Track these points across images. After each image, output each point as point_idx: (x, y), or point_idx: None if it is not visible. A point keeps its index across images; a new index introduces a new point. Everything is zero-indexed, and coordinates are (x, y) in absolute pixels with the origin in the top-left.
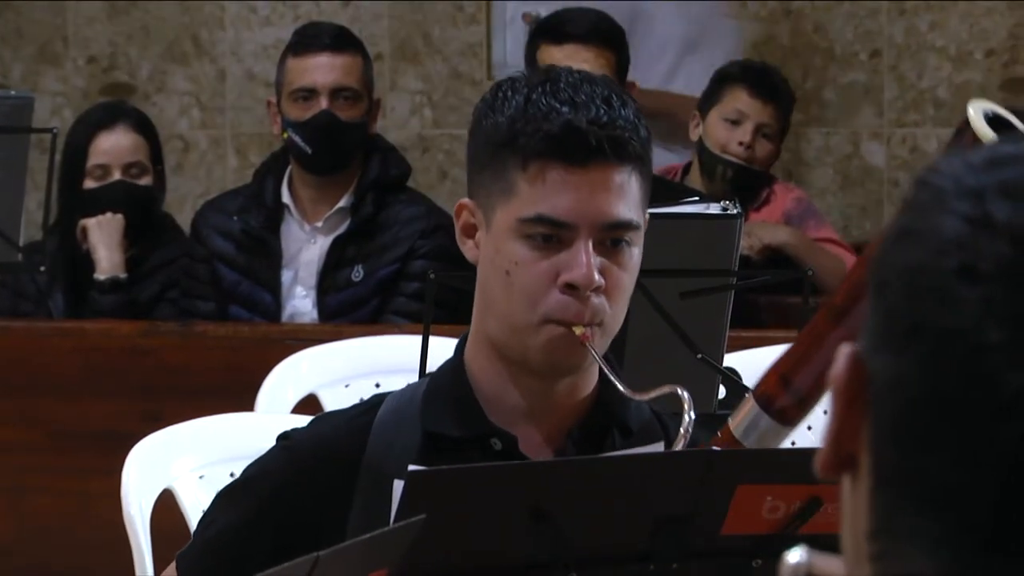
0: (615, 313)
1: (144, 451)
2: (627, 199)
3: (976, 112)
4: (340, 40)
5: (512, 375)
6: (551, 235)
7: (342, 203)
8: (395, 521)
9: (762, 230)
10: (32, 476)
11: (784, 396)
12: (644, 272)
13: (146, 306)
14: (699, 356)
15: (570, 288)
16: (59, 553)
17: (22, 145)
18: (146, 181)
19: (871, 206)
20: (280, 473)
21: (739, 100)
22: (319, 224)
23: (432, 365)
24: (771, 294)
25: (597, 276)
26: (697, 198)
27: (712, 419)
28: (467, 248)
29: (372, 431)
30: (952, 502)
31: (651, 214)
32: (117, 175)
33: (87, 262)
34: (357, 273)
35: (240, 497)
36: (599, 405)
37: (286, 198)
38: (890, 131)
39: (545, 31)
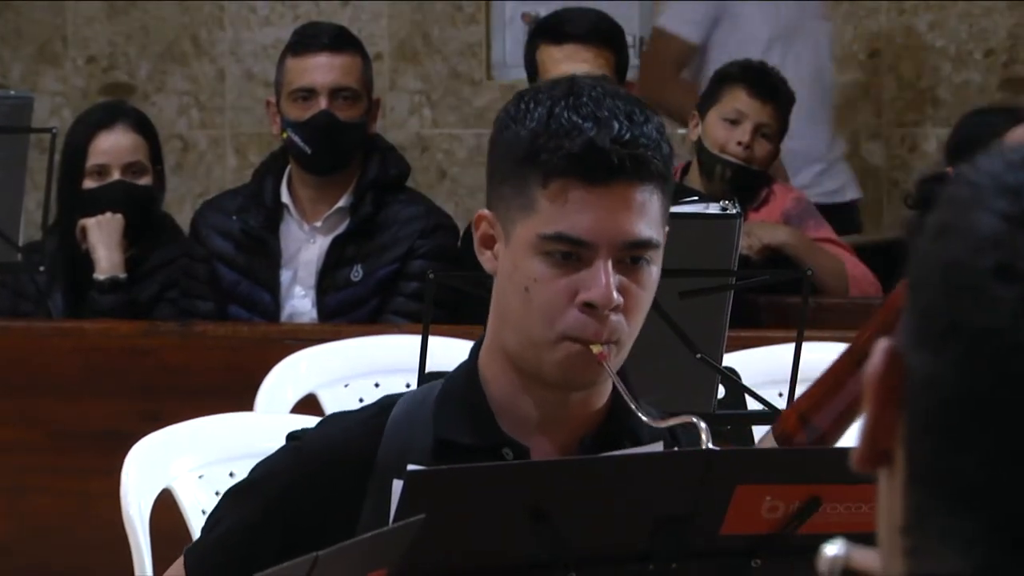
0: (632, 331)
1: (144, 451)
2: (648, 217)
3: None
4: (339, 40)
5: (526, 386)
6: (571, 253)
7: (341, 203)
8: (395, 521)
9: (761, 230)
10: (32, 476)
11: (802, 434)
12: None
13: (146, 306)
14: (698, 356)
15: (589, 307)
16: (59, 553)
17: (22, 145)
18: (145, 181)
19: (871, 206)
20: (288, 474)
21: (738, 100)
22: (318, 224)
23: (432, 365)
24: (770, 294)
25: (616, 295)
26: (696, 198)
27: (712, 419)
28: (485, 259)
29: (385, 434)
30: (986, 502)
31: None
32: (116, 175)
33: (87, 262)
34: (356, 273)
35: (248, 497)
36: (612, 416)
37: (285, 198)
38: (889, 131)
39: (544, 31)
